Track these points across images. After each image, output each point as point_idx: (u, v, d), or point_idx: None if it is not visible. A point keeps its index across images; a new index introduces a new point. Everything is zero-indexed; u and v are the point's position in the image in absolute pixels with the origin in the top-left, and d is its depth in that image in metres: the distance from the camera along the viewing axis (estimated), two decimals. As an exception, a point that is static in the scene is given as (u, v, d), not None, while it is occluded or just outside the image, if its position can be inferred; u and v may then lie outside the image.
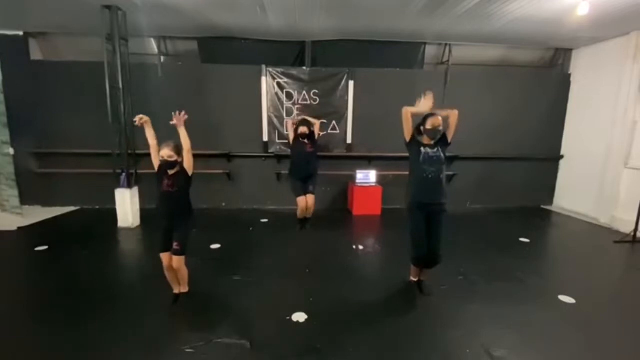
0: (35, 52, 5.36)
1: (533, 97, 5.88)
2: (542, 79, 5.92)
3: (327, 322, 2.44)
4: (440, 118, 2.62)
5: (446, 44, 5.63)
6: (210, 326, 2.34)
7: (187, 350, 2.07)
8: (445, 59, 5.71)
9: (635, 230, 4.25)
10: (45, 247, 3.75)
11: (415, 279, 3.01)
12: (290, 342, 2.20)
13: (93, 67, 4.80)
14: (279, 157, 5.65)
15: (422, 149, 2.72)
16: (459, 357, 2.09)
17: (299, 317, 2.47)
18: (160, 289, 2.72)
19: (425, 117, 2.67)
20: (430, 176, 2.65)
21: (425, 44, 5.64)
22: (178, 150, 2.45)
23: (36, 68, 5.22)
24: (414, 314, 2.58)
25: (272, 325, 2.38)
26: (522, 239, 4.33)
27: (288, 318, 2.46)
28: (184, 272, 2.64)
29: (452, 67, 5.64)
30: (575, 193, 5.81)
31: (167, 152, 2.41)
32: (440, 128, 2.63)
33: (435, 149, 2.69)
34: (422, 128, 2.71)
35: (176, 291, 2.70)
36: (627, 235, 4.34)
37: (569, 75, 5.89)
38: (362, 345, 2.18)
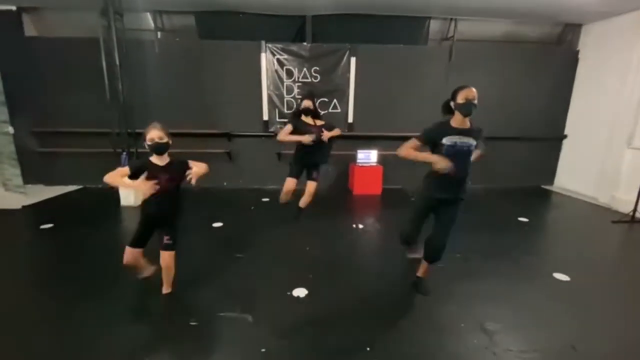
0: (29, 28, 5.22)
1: (539, 75, 5.75)
2: (549, 56, 5.75)
3: (326, 297, 2.52)
4: (474, 90, 2.14)
5: (451, 19, 5.44)
6: (213, 301, 2.41)
7: (192, 324, 2.15)
8: (450, 35, 5.54)
9: (634, 210, 4.27)
10: (51, 225, 3.81)
11: (416, 255, 2.77)
12: (290, 316, 2.28)
13: (89, 44, 4.70)
14: (280, 137, 5.62)
15: (445, 139, 2.17)
16: (454, 331, 2.16)
17: (300, 292, 2.55)
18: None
19: (457, 90, 2.18)
20: (456, 170, 2.17)
21: (429, 18, 5.46)
22: (167, 131, 2.15)
23: (31, 44, 5.10)
24: (411, 290, 2.64)
25: (273, 300, 2.45)
26: (520, 219, 4.37)
27: (289, 293, 2.53)
28: (173, 271, 2.32)
29: (457, 43, 5.48)
30: (576, 173, 5.80)
31: (156, 133, 2.07)
32: (475, 101, 2.13)
33: (468, 139, 2.18)
34: (452, 104, 2.21)
35: (165, 291, 2.40)
36: (626, 215, 4.37)
37: (577, 52, 5.73)
38: (360, 319, 2.26)
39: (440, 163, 2.13)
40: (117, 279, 2.72)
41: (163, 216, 2.22)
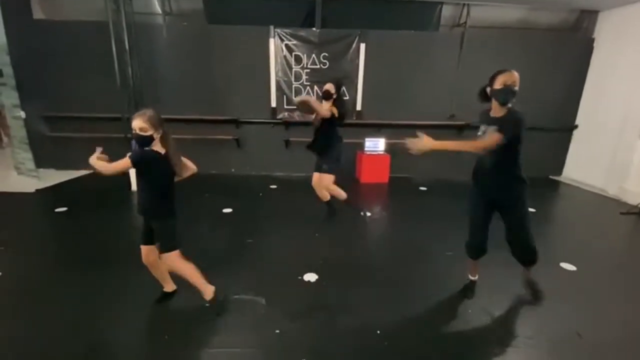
0: (37, 11, 5.20)
1: (552, 63, 5.63)
2: (563, 44, 5.62)
3: (336, 281, 2.58)
4: (516, 74, 1.90)
5: (464, 4, 5.31)
6: (226, 284, 2.46)
7: (207, 305, 2.22)
8: (462, 21, 5.42)
9: (643, 201, 4.26)
10: (65, 209, 3.90)
11: (473, 277, 2.49)
12: (302, 299, 2.36)
13: (98, 27, 4.68)
14: (287, 124, 5.62)
15: (480, 129, 2.06)
16: (461, 317, 2.22)
17: (310, 277, 2.61)
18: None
19: (495, 74, 1.95)
20: (486, 166, 2.05)
21: (441, 3, 5.34)
22: (154, 122, 1.85)
23: (40, 28, 5.09)
24: (418, 278, 2.70)
25: (284, 284, 2.52)
26: (528, 209, 4.37)
27: (300, 278, 2.60)
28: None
29: (469, 30, 5.37)
30: (586, 164, 5.75)
31: (137, 123, 1.81)
32: (516, 88, 1.88)
33: (492, 128, 1.95)
34: (489, 90, 1.98)
35: (167, 289, 2.29)
36: (634, 206, 4.35)
37: (593, 40, 5.59)
38: (369, 304, 2.33)
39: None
40: (132, 261, 2.79)
41: (144, 213, 2.01)
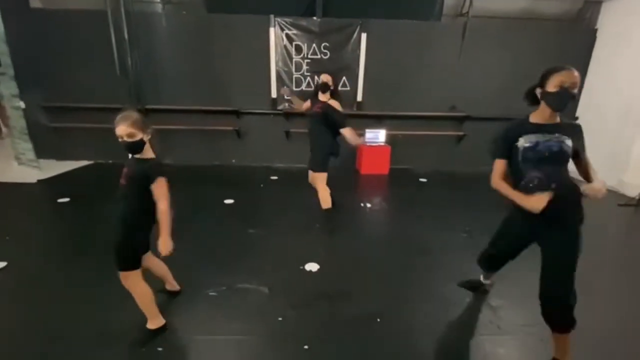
0: (34, 0, 5.12)
1: (554, 54, 5.57)
2: (565, 34, 5.57)
3: (337, 271, 2.63)
4: (576, 73, 1.52)
5: (467, -7, 5.25)
6: (230, 274, 2.52)
7: (211, 294, 2.28)
8: (464, 10, 5.36)
9: (641, 193, 4.29)
10: (67, 199, 3.92)
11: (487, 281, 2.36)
12: (304, 288, 2.40)
13: (96, 16, 4.62)
14: (288, 115, 5.60)
15: (521, 140, 1.59)
16: (460, 306, 2.27)
17: (312, 267, 2.66)
18: (180, 240, 2.88)
19: (548, 72, 1.54)
20: (531, 185, 1.53)
21: (445, -8, 5.28)
22: (141, 124, 1.65)
23: (37, 17, 5.01)
24: (418, 267, 2.74)
25: (287, 274, 2.57)
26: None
27: (301, 268, 2.64)
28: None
29: (472, 20, 5.31)
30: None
31: (124, 130, 1.60)
32: (575, 91, 1.50)
33: (557, 137, 1.56)
34: (539, 91, 1.57)
35: (170, 288, 2.23)
36: (632, 199, 4.39)
37: (595, 31, 5.54)
38: (370, 292, 2.37)
39: (531, 203, 1.54)
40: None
41: (118, 223, 1.81)
